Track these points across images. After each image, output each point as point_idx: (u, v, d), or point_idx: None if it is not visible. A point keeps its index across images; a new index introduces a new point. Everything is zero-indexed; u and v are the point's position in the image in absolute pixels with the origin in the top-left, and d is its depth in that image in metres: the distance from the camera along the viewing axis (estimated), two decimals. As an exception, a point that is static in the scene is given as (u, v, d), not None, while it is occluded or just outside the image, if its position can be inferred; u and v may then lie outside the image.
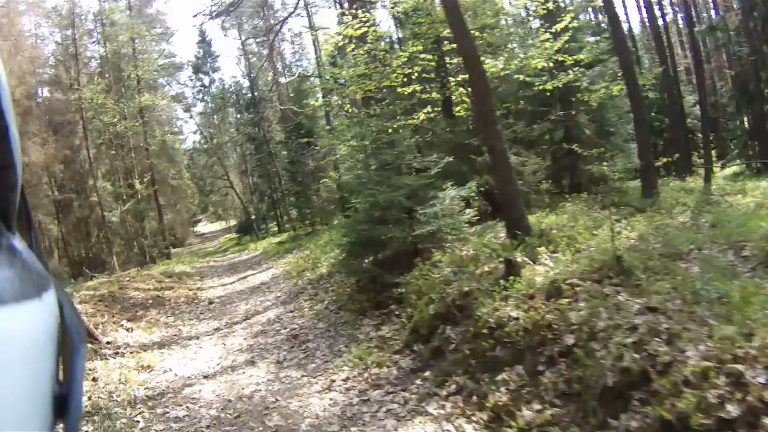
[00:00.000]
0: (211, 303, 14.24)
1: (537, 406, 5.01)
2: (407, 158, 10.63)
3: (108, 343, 10.15)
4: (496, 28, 16.58)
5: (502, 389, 5.46)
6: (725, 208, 11.46)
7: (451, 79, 15.19)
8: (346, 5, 15.59)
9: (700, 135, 23.92)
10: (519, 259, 7.64)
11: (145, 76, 33.72)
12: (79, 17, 31.30)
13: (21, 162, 0.87)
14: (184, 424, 6.46)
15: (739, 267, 6.47)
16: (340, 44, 14.81)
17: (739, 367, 3.91)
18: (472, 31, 14.35)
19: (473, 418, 5.37)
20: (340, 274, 12.45)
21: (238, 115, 43.97)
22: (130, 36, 32.31)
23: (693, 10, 23.78)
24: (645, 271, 6.12)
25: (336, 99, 17.28)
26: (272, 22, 32.67)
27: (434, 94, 15.32)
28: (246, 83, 41.72)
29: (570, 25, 14.51)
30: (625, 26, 30.79)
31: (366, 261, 11.01)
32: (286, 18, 27.70)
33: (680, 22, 35.97)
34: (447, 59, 15.44)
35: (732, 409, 3.69)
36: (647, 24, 33.59)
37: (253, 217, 39.13)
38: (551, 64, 14.49)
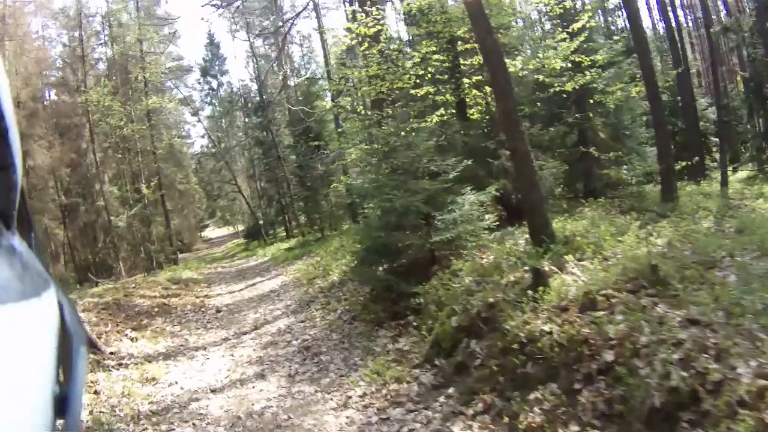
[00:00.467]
0: (218, 311, 13.83)
1: (575, 428, 4.62)
2: (424, 161, 10.17)
3: (111, 353, 9.75)
4: (510, 29, 16.21)
5: (536, 409, 5.05)
6: (748, 213, 11.05)
7: (466, 80, 14.76)
8: (356, 5, 15.14)
9: (713, 138, 23.68)
10: (546, 268, 7.19)
11: (152, 78, 33.49)
12: (86, 18, 31.10)
13: (21, 163, 0.85)
14: (190, 444, 6.08)
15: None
16: (354, 42, 14.43)
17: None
18: None
19: (505, 440, 4.92)
20: (353, 282, 12.06)
21: (246, 119, 43.83)
22: (137, 37, 32.07)
23: (702, 12, 23.29)
24: (682, 281, 5.66)
25: (348, 100, 16.90)
26: (281, 23, 32.37)
27: (448, 97, 14.90)
28: (254, 87, 41.60)
29: (587, 25, 14.15)
30: (630, 29, 30.60)
31: (380, 269, 10.61)
32: (296, 15, 27.23)
33: (689, 24, 35.74)
34: (461, 60, 15.03)
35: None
36: (658, 26, 33.42)
37: (261, 222, 38.89)
38: (569, 65, 14.06)
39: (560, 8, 14.21)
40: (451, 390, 6.17)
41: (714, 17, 32.47)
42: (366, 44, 13.70)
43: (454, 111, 15.28)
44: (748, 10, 23.10)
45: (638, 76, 15.96)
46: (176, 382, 8.26)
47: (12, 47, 27.46)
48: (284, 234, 37.54)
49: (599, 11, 25.25)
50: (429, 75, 14.61)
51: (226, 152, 44.08)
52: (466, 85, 14.76)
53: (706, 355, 4.25)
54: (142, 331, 11.47)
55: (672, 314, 4.97)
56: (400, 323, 8.81)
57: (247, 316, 12.77)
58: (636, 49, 15.64)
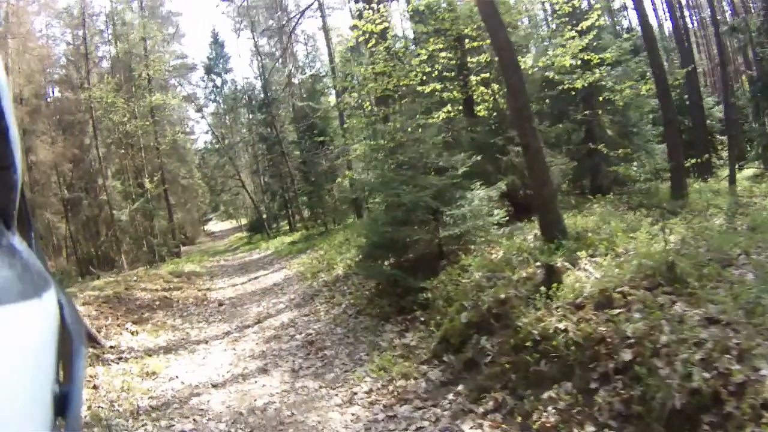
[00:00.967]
0: (221, 305, 13.62)
1: (591, 428, 4.44)
2: (432, 157, 9.98)
3: (111, 347, 9.57)
4: (517, 28, 16.06)
5: (550, 408, 4.86)
6: (759, 211, 10.86)
7: (473, 78, 14.61)
8: (362, 3, 15.00)
9: (719, 136, 23.61)
10: (559, 264, 7.00)
11: (156, 75, 33.63)
12: (90, 17, 31.34)
13: (21, 163, 0.84)
14: (190, 440, 5.89)
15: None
16: (361, 39, 14.27)
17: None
18: None
19: (517, 440, 4.75)
20: (358, 276, 11.88)
21: (250, 116, 44.04)
22: (141, 36, 32.33)
23: (710, 11, 23.24)
24: (699, 279, 5.47)
25: (355, 96, 16.73)
26: (285, 21, 32.36)
27: (455, 93, 14.75)
28: (258, 84, 41.71)
29: (597, 24, 14.04)
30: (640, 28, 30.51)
31: (386, 263, 10.43)
32: (301, 14, 27.34)
33: (694, 24, 35.67)
34: (468, 58, 14.87)
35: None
36: (664, 26, 33.31)
37: (264, 216, 38.81)
38: (578, 62, 13.91)
39: (569, 6, 14.07)
40: (460, 387, 5.97)
41: (719, 17, 32.54)
42: (373, 41, 13.55)
43: (460, 108, 15.11)
44: (753, 11, 23.11)
45: (647, 74, 15.87)
46: (177, 377, 8.06)
47: (15, 45, 27.66)
48: (287, 228, 37.59)
49: (605, 12, 25.20)
50: (436, 72, 14.52)
51: (229, 148, 44.14)
52: (474, 83, 14.65)
53: (728, 356, 4.10)
54: (143, 325, 11.31)
55: (690, 313, 4.82)
56: (406, 318, 8.60)
57: (250, 309, 12.58)
58: (646, 46, 15.56)
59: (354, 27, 14.05)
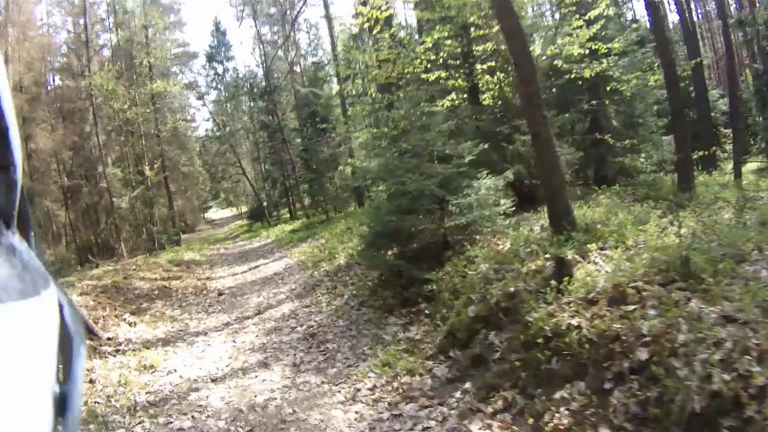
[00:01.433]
0: (220, 294, 13.45)
1: (605, 431, 4.23)
2: (438, 144, 9.75)
3: (108, 339, 9.39)
4: (523, 18, 15.86)
5: (562, 409, 4.66)
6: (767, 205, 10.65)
7: (479, 66, 14.40)
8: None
9: (723, 129, 23.45)
10: (569, 257, 6.78)
11: (157, 63, 33.55)
12: (91, 5, 31.31)
13: (21, 162, 0.83)
14: (189, 438, 5.69)
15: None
16: (366, 26, 14.04)
17: None
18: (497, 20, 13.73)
19: (528, 442, 4.55)
20: (360, 266, 11.69)
21: (252, 103, 43.89)
22: (143, 24, 32.22)
23: (717, 4, 23.11)
24: (714, 275, 5.25)
25: (359, 82, 16.54)
26: (288, 9, 32.30)
27: (460, 82, 14.55)
28: (260, 72, 41.65)
29: (605, 13, 13.82)
30: (646, 20, 30.37)
31: (389, 253, 10.23)
32: (304, 2, 27.10)
33: (698, 17, 35.46)
34: (474, 46, 14.66)
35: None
36: (668, 18, 33.01)
37: (264, 203, 38.68)
38: (586, 51, 13.71)
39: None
40: (467, 384, 5.75)
41: (717, 12, 32.38)
42: (379, 27, 13.33)
43: (465, 96, 14.90)
44: (759, 4, 23.00)
45: (655, 65, 15.71)
46: (175, 370, 7.86)
47: (15, 33, 27.61)
48: (288, 216, 37.48)
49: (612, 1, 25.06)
50: (441, 60, 14.35)
51: (230, 135, 43.97)
52: (479, 71, 14.43)
53: (748, 357, 3.93)
54: (141, 316, 11.13)
55: (706, 310, 4.62)
56: (411, 311, 8.40)
57: (250, 299, 12.40)
58: (655, 37, 15.42)
59: (359, 14, 13.82)
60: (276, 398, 6.38)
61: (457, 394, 5.66)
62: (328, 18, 32.99)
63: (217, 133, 44.91)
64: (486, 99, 14.57)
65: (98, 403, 6.68)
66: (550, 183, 8.46)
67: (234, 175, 47.07)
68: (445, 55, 14.30)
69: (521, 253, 7.67)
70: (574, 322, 5.26)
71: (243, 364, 7.77)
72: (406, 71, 14.22)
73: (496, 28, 13.90)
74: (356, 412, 5.72)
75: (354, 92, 23.16)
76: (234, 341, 9.07)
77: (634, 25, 18.96)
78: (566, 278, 6.08)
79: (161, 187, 34.83)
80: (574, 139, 15.75)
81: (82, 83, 28.84)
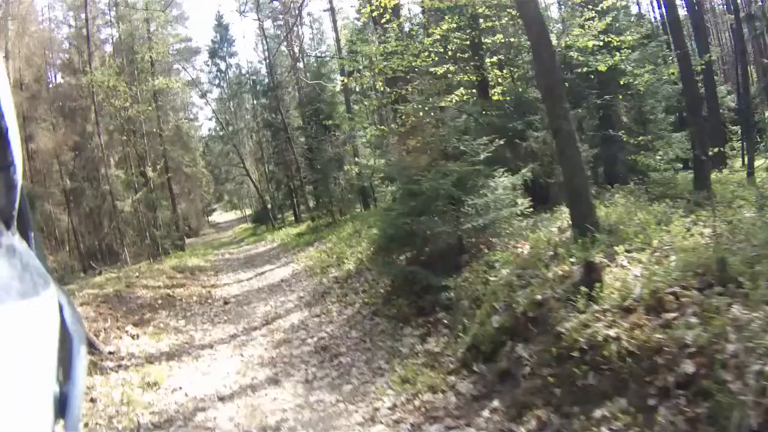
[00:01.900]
0: (226, 303, 13.06)
1: (654, 452, 3.78)
2: (453, 141, 9.30)
3: (110, 353, 8.99)
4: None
5: (604, 429, 4.24)
6: (788, 204, 10.32)
7: (488, 60, 14.11)
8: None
9: (731, 126, 23.14)
10: (597, 261, 6.33)
11: (159, 58, 33.38)
12: (92, 0, 30.98)
13: (21, 162, 0.85)
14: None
15: None
16: (375, 14, 13.66)
17: None
18: (509, 10, 13.33)
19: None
20: (371, 272, 11.28)
21: (255, 101, 43.74)
22: (144, 17, 32.11)
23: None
24: (753, 278, 4.83)
25: (368, 74, 16.15)
26: (291, 2, 32.06)
27: (469, 76, 14.20)
28: (263, 69, 41.98)
29: (616, 4, 13.50)
30: (655, 13, 30.11)
31: (401, 258, 9.81)
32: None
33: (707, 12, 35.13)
34: (483, 38, 14.29)
35: None
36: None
37: (269, 206, 38.50)
38: (600, 44, 13.33)
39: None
40: (495, 402, 5.31)
41: (724, 6, 32.15)
42: (387, 16, 12.97)
43: (474, 91, 14.51)
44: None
45: (669, 58, 15.45)
46: (180, 388, 7.43)
47: (15, 27, 27.53)
48: (292, 218, 37.30)
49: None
50: (449, 53, 14.00)
51: (234, 134, 43.88)
52: (489, 64, 14.15)
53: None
54: (144, 327, 10.72)
55: (749, 317, 4.22)
56: (428, 320, 7.93)
57: (257, 309, 12.00)
58: (670, 29, 15.30)
59: (367, 1, 13.47)
60: (288, 419, 5.96)
61: (485, 413, 5.21)
62: (332, 10, 32.85)
63: (220, 133, 44.96)
64: (495, 94, 14.19)
65: (99, 424, 6.29)
66: (573, 182, 8.02)
67: (238, 176, 47.03)
68: (453, 47, 13.97)
69: (544, 257, 7.26)
70: (612, 332, 4.82)
71: (252, 381, 7.35)
72: (413, 64, 13.87)
73: (506, 19, 13.61)
74: (376, 435, 5.29)
75: (359, 88, 22.83)
76: (242, 355, 8.65)
77: (640, 19, 18.57)
78: (597, 284, 5.65)
79: (164, 190, 34.57)
80: (585, 136, 15.42)
81: (83, 80, 28.53)
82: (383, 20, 13.46)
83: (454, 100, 13.62)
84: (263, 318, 10.95)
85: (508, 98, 14.08)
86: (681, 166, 15.41)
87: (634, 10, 33.03)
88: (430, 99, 10.66)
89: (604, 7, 13.31)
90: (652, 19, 31.79)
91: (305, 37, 43.61)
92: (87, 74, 27.24)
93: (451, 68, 14.06)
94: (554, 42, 12.42)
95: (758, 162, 19.14)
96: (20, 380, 0.68)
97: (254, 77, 43.71)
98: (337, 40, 33.32)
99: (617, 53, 13.76)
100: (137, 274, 16.53)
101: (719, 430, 3.62)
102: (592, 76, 14.66)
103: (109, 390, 7.30)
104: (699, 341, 4.18)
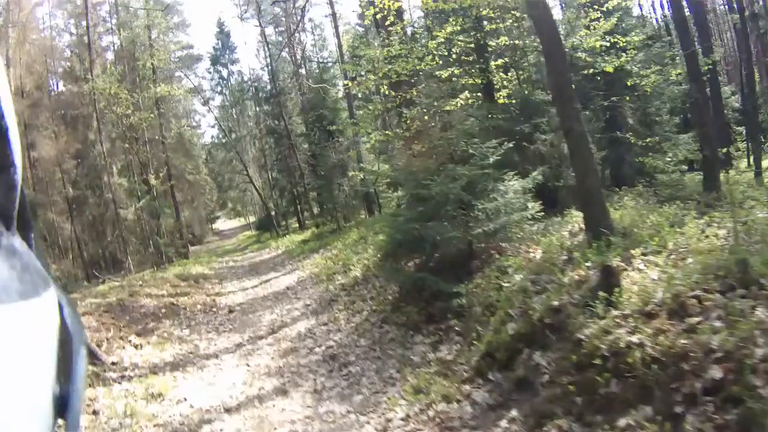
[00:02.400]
0: (231, 311, 12.88)
1: (684, 461, 3.61)
2: (461, 144, 9.12)
3: (113, 363, 8.78)
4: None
5: (631, 439, 4.03)
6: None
7: (493, 63, 13.97)
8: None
9: (735, 127, 23.04)
10: (614, 265, 6.13)
11: (160, 65, 33.24)
12: (93, 6, 31.31)
13: (21, 162, 0.82)
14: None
15: None
16: (379, 16, 13.54)
17: None
18: (513, 12, 13.21)
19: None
20: (378, 278, 11.10)
21: (257, 108, 43.76)
22: (146, 24, 32.04)
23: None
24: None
25: (373, 78, 16.01)
26: (293, 8, 32.16)
27: (474, 79, 14.08)
28: (265, 76, 41.86)
29: (622, 5, 13.40)
30: (657, 15, 30.07)
31: (408, 264, 9.62)
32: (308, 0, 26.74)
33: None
34: (487, 41, 14.17)
35: None
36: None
37: (272, 213, 38.54)
38: (607, 45, 13.21)
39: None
40: (513, 412, 5.11)
41: (726, 6, 32.16)
42: (391, 18, 12.83)
43: (479, 94, 14.36)
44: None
45: (676, 59, 15.37)
46: (185, 399, 7.23)
47: (15, 35, 27.58)
48: (296, 225, 37.20)
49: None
50: (454, 56, 14.04)
51: (237, 141, 44.00)
52: (494, 67, 14.02)
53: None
54: (148, 337, 10.52)
55: None
56: (439, 328, 7.72)
57: (263, 317, 11.79)
58: (677, 28, 15.28)
59: (371, 3, 13.34)
60: (298, 430, 5.76)
61: (503, 423, 5.02)
62: (334, 16, 32.93)
63: (223, 140, 44.97)
64: (500, 97, 14.06)
65: (102, 438, 6.09)
66: (586, 184, 7.85)
67: (241, 183, 47.10)
68: (458, 50, 13.97)
69: (557, 261, 7.08)
70: (635, 339, 4.63)
71: (259, 391, 7.14)
72: (417, 68, 13.82)
73: (510, 21, 13.48)
74: (390, 448, 5.09)
75: (362, 93, 22.70)
76: (248, 364, 8.44)
77: (643, 22, 18.54)
78: (616, 289, 5.46)
79: (167, 197, 34.37)
80: (592, 139, 15.32)
81: (84, 87, 28.52)
82: (387, 23, 13.34)
83: (459, 104, 13.51)
84: (269, 326, 10.74)
85: (513, 101, 14.02)
86: (686, 167, 15.31)
87: (635, 12, 33.24)
88: (436, 103, 10.48)
89: (610, 7, 13.30)
90: (654, 21, 31.86)
91: (307, 44, 43.81)
92: (89, 82, 27.27)
93: (456, 71, 13.97)
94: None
95: (765, 163, 19.08)
96: (20, 380, 0.68)
97: (256, 84, 43.73)
98: (339, 46, 33.41)
99: (623, 54, 13.73)
100: (140, 282, 16.38)
101: (753, 439, 3.47)
102: (599, 78, 14.50)
103: (112, 402, 7.11)
104: (725, 346, 4.06)
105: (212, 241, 51.02)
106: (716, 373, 3.94)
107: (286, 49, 34.74)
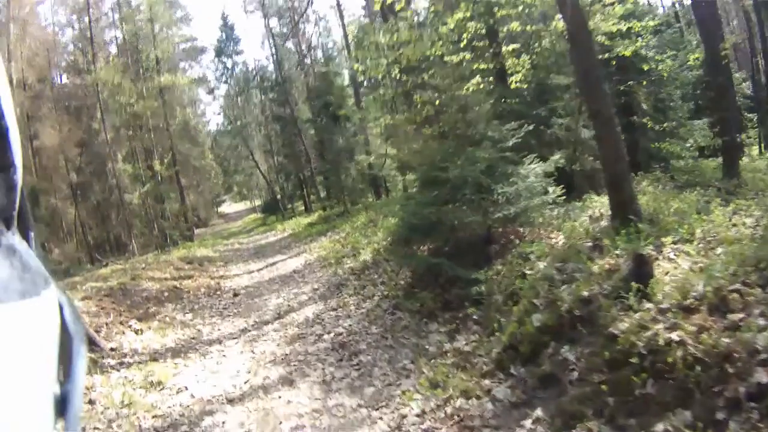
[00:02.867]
0: (236, 295, 12.55)
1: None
2: (480, 126, 8.73)
3: (112, 349, 8.47)
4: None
5: (667, 445, 3.68)
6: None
7: (505, 48, 13.77)
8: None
9: (747, 114, 22.77)
10: (646, 254, 5.73)
11: (164, 56, 33.62)
12: (95, 2, 31.64)
13: (21, 163, 0.81)
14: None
15: None
16: (390, 1, 13.21)
17: None
18: None
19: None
20: (389, 262, 10.75)
21: (263, 96, 43.64)
22: (148, 18, 32.30)
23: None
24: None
25: (384, 61, 15.67)
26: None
27: (486, 64, 13.76)
28: (270, 66, 42.34)
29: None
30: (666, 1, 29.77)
31: (422, 248, 9.25)
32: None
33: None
34: (499, 26, 13.87)
35: None
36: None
37: (278, 196, 38.56)
38: (625, 28, 12.85)
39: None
40: (539, 411, 4.71)
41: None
42: (402, 3, 12.48)
43: (491, 79, 14.02)
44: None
45: (693, 44, 15.09)
46: (186, 388, 6.86)
47: (16, 29, 27.96)
48: (302, 208, 37.35)
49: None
50: (465, 41, 13.69)
51: (242, 128, 44.30)
52: (506, 52, 13.77)
53: None
54: (149, 321, 10.17)
55: None
56: (456, 316, 7.35)
57: (269, 301, 11.43)
58: (695, 13, 14.84)
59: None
60: (305, 426, 5.37)
61: (528, 423, 4.63)
62: (339, 5, 32.88)
63: (229, 127, 44.93)
64: (513, 82, 13.72)
65: (98, 429, 5.78)
66: (614, 168, 7.54)
67: (247, 168, 47.38)
68: (468, 36, 13.56)
69: (582, 248, 6.68)
70: (675, 336, 4.23)
71: (264, 381, 6.75)
72: (427, 53, 13.49)
73: (521, 6, 13.11)
74: (405, 447, 4.70)
75: (371, 78, 22.44)
76: (252, 351, 8.04)
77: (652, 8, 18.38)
78: (653, 280, 5.07)
79: (172, 182, 34.58)
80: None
81: (87, 78, 28.92)
82: (398, 8, 13.01)
83: (470, 89, 13.22)
84: (275, 311, 10.37)
85: (526, 85, 13.80)
86: (697, 153, 15.37)
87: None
88: (454, 84, 10.10)
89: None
90: (661, 10, 31.65)
91: (312, 34, 43.87)
92: (91, 74, 27.35)
93: (467, 56, 13.70)
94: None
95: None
96: (20, 380, 0.66)
97: (261, 74, 43.75)
98: (345, 36, 33.40)
99: (638, 39, 13.55)
100: (144, 265, 16.19)
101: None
102: (613, 62, 14.09)
103: (110, 390, 6.79)
104: (772, 346, 3.73)
105: (218, 224, 51.22)
106: (762, 376, 3.65)
107: (291, 39, 34.60)
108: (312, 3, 39.01)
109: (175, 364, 7.90)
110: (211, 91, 43.72)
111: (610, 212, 7.91)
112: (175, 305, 11.75)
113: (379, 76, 19.68)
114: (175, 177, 34.32)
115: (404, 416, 5.20)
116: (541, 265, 6.63)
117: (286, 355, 7.63)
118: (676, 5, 31.88)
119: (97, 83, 27.11)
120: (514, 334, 5.72)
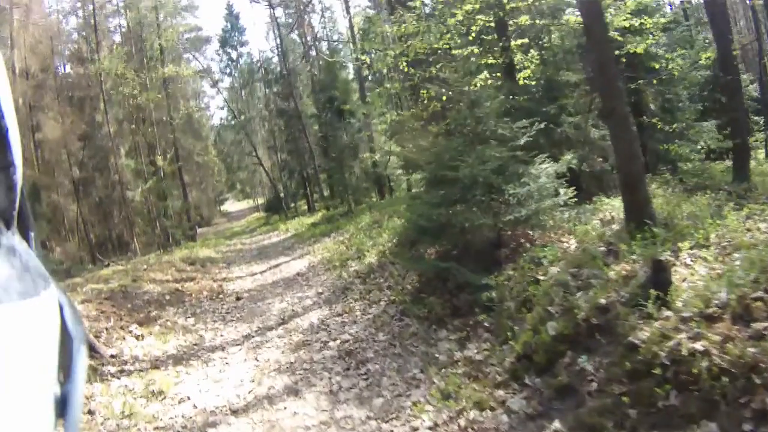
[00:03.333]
0: (238, 298, 12.34)
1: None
2: (491, 124, 8.51)
3: (112, 356, 8.24)
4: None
5: (690, 457, 3.55)
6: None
7: (514, 43, 13.48)
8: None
9: (753, 117, 22.69)
10: (664, 259, 5.53)
11: (168, 45, 33.42)
12: None
13: (21, 162, 0.84)
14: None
15: None
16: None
17: None
18: None
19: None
20: (396, 266, 10.55)
21: (267, 90, 43.67)
22: (153, 5, 32.14)
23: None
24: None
25: (391, 53, 15.51)
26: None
27: (495, 59, 13.52)
28: (275, 58, 42.20)
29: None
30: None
31: (428, 251, 9.05)
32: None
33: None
34: (508, 19, 13.63)
35: None
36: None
37: (281, 195, 38.74)
38: (638, 24, 12.67)
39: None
40: (556, 423, 4.52)
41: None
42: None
43: (499, 75, 13.81)
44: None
45: (705, 42, 14.97)
46: (188, 398, 6.66)
47: (18, 16, 27.60)
48: (305, 208, 37.18)
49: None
50: (473, 34, 13.47)
51: (246, 123, 44.16)
52: (515, 47, 13.55)
53: None
54: (150, 326, 9.96)
55: None
56: (466, 323, 7.11)
57: (272, 305, 11.22)
58: (708, 11, 14.80)
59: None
60: (313, 440, 5.14)
61: (545, 437, 4.42)
62: None
63: (232, 122, 45.15)
64: (521, 78, 13.52)
65: (97, 441, 5.54)
66: (630, 168, 7.34)
67: (250, 164, 47.20)
68: (477, 29, 13.30)
69: (597, 253, 6.49)
70: (699, 346, 4.07)
71: (268, 390, 6.55)
72: (435, 46, 13.40)
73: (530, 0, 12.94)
74: (418, 464, 4.50)
75: (377, 71, 22.28)
76: (256, 359, 7.84)
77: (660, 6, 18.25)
78: (669, 286, 4.88)
79: (175, 179, 34.40)
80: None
81: (91, 68, 28.61)
82: (407, -1, 12.90)
83: (478, 85, 13.01)
84: (279, 316, 10.16)
85: (535, 82, 13.58)
86: (703, 156, 15.20)
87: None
88: (463, 79, 9.89)
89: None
90: (668, 8, 31.56)
91: (317, 25, 43.56)
92: (95, 63, 27.18)
93: (475, 50, 13.47)
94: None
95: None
96: (20, 380, 0.67)
97: (266, 66, 43.58)
98: (351, 27, 33.12)
99: (649, 36, 13.26)
100: (145, 266, 16.00)
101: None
102: (623, 60, 13.85)
103: (110, 400, 6.58)
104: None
105: (220, 222, 51.19)
106: (788, 388, 3.51)
107: (296, 30, 34.42)
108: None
109: (177, 372, 7.69)
110: (215, 84, 43.78)
111: (623, 215, 7.71)
112: (177, 309, 11.55)
113: (385, 70, 19.54)
114: (177, 173, 34.13)
115: (416, 429, 5.03)
116: (554, 270, 6.44)
117: (291, 363, 7.43)
118: (685, 3, 31.82)
119: (101, 73, 27.00)
120: (529, 342, 5.53)
